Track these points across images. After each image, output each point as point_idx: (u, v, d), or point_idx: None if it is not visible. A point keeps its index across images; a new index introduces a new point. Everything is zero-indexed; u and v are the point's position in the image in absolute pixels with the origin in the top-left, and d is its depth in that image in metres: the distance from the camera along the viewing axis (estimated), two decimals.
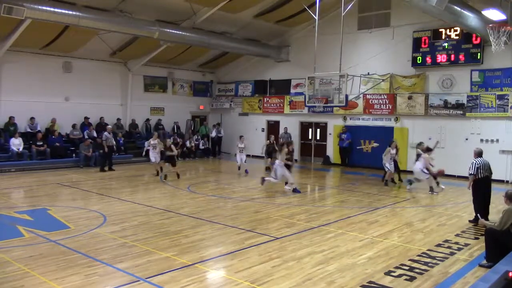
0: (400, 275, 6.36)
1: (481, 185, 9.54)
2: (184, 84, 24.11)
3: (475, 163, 9.55)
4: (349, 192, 13.64)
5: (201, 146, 22.84)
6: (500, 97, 15.96)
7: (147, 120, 22.23)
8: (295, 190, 13.12)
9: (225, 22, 19.31)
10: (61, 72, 19.01)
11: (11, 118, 17.36)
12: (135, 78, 21.60)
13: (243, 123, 24.01)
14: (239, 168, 17.26)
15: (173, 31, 17.71)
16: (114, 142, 17.83)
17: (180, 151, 21.54)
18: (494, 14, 13.16)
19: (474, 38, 16.28)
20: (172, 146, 15.50)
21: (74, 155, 18.12)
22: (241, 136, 18.06)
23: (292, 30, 21.58)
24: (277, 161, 13.30)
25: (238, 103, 24.26)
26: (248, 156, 23.13)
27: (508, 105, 15.81)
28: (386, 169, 14.72)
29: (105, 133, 17.29)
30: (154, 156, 16.07)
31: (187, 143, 21.97)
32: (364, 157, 18.96)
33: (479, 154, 9.76)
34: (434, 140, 15.52)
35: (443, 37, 17.10)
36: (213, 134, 23.55)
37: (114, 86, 21.01)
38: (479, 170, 9.47)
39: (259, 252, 7.28)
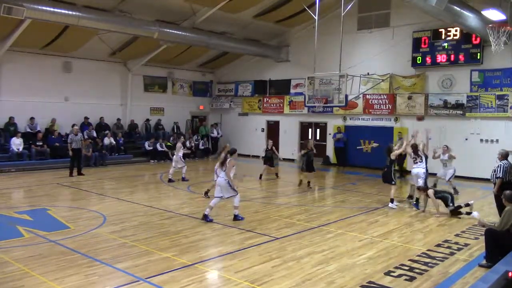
0: (400, 275, 6.37)
1: (506, 188, 8.97)
2: (184, 84, 24.10)
3: (502, 166, 9.24)
4: (349, 192, 13.64)
5: (201, 146, 22.86)
6: (500, 97, 15.96)
7: (147, 120, 22.24)
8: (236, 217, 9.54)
9: (225, 22, 19.31)
10: (61, 72, 19.01)
11: (11, 118, 17.36)
12: (135, 78, 21.60)
13: (242, 123, 24.04)
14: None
15: (173, 31, 17.70)
16: (83, 143, 16.44)
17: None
18: (494, 14, 13.15)
19: (474, 38, 16.28)
20: None
21: None
22: (181, 135, 15.65)
23: (292, 30, 21.58)
24: (222, 174, 9.34)
25: (238, 103, 24.26)
26: (247, 156, 23.30)
27: (508, 105, 15.81)
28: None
29: (70, 135, 15.72)
30: None
31: (187, 143, 21.96)
32: (359, 157, 18.87)
33: (505, 156, 9.43)
34: (433, 140, 15.38)
35: (443, 37, 17.10)
36: (214, 133, 23.64)
37: (114, 86, 21.01)
38: (506, 174, 9.17)
39: (259, 252, 7.29)
